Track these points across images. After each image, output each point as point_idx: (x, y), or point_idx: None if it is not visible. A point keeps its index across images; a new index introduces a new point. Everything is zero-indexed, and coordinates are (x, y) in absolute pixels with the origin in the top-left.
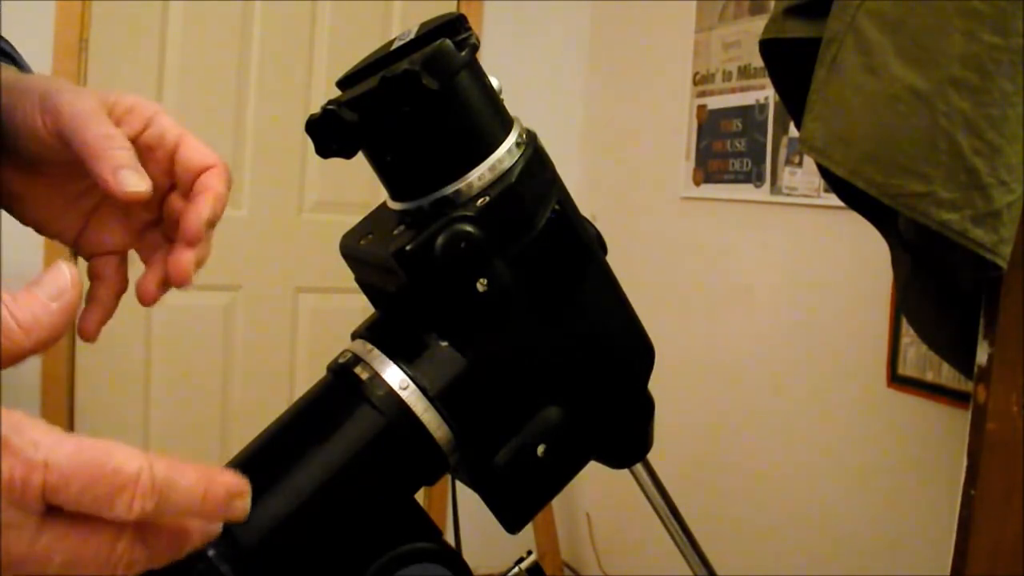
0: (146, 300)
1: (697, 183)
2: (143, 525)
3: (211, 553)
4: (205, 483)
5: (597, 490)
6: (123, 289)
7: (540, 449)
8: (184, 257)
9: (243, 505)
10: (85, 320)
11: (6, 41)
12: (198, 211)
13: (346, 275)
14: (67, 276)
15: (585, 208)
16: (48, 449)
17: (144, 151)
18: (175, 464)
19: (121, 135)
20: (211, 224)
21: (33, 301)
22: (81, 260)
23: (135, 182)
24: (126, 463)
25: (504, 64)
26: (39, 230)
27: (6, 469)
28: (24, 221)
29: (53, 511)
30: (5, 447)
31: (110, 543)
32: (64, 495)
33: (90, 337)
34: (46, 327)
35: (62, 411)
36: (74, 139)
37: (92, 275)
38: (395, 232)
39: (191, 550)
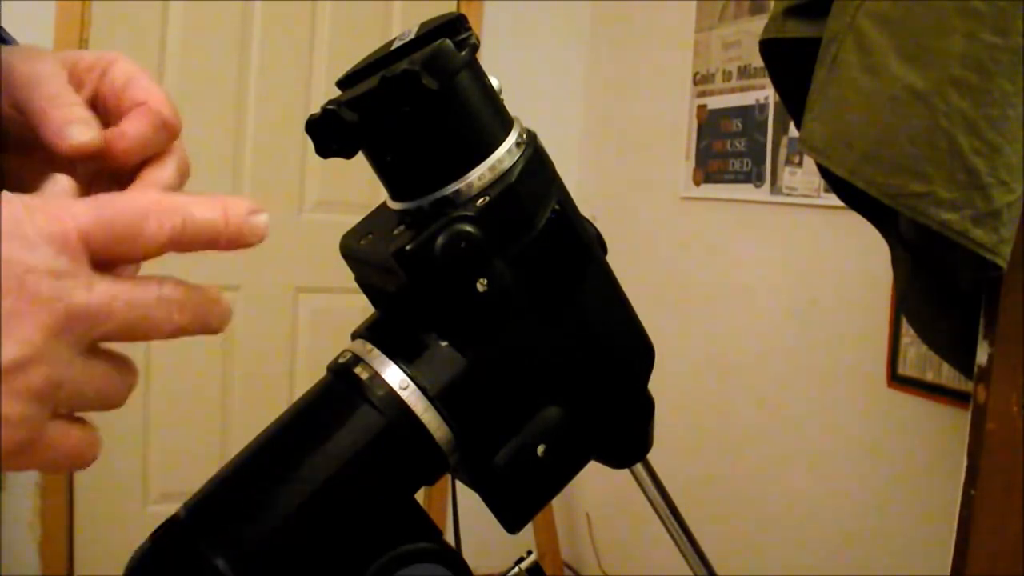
0: None
1: (697, 183)
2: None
3: (210, 552)
4: (222, 204)
5: (597, 490)
6: None
7: (540, 449)
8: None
9: (264, 220)
10: None
11: None
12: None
13: (346, 275)
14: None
15: (585, 208)
16: (72, 204)
17: (102, 101)
18: (187, 195)
19: (70, 91)
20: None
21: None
22: None
23: (78, 133)
24: (141, 195)
25: (504, 64)
26: None
27: (46, 226)
28: None
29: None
30: (40, 208)
31: (156, 287)
32: (100, 234)
33: None
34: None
35: None
36: (26, 108)
37: None
38: (395, 232)
39: (222, 317)
